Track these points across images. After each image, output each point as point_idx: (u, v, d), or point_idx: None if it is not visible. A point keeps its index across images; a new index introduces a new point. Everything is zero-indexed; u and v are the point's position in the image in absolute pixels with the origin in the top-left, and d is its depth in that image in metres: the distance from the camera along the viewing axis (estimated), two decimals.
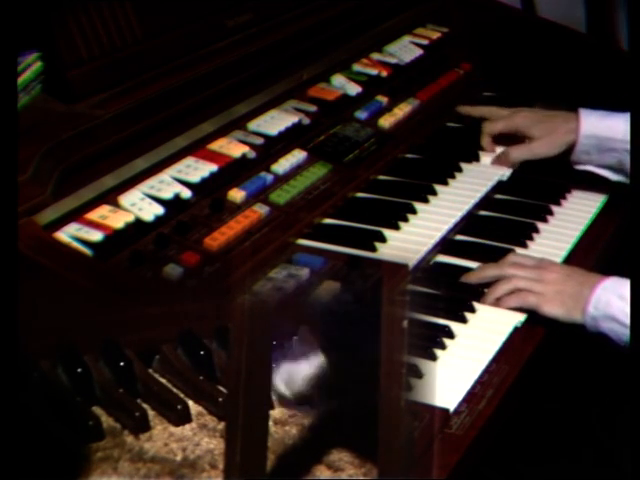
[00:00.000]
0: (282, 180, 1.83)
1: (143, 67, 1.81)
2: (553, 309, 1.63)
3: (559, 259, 1.81)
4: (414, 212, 1.84)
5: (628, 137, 1.86)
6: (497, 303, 1.65)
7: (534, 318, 1.63)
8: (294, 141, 1.94)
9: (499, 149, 2.08)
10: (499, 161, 2.05)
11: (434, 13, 2.56)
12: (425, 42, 2.46)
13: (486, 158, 2.08)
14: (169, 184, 1.70)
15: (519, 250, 1.82)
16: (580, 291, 1.62)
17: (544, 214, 1.95)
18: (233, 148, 1.84)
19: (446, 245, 1.81)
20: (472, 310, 1.63)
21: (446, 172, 1.99)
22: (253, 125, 1.94)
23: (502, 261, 1.72)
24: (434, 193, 1.92)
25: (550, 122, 2.01)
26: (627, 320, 1.55)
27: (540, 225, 1.91)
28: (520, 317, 1.62)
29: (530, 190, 2.03)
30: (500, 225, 1.92)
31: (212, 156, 1.80)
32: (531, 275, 1.67)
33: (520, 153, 2.03)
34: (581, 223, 1.94)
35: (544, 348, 1.61)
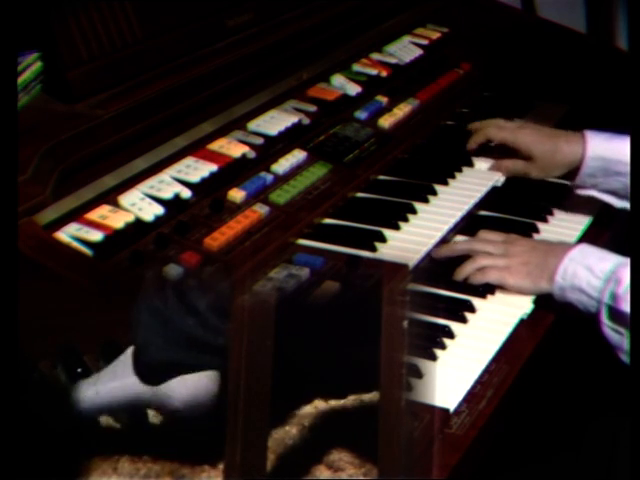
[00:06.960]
0: (282, 180, 1.83)
1: (143, 67, 1.81)
2: (518, 281, 1.66)
3: None
4: (414, 212, 1.84)
5: None
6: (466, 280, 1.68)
7: (535, 316, 1.63)
8: (294, 141, 1.94)
9: (488, 160, 2.04)
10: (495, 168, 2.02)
11: (434, 13, 2.56)
12: (425, 42, 2.46)
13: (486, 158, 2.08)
14: (169, 184, 1.70)
15: None
16: (545, 261, 1.65)
17: (544, 214, 1.95)
18: (233, 148, 1.84)
19: None
20: (472, 310, 1.62)
21: (446, 172, 1.99)
22: (253, 125, 1.94)
23: (473, 237, 1.78)
24: (434, 193, 1.92)
25: (552, 143, 1.93)
26: (594, 292, 1.57)
27: (540, 225, 1.91)
28: (519, 315, 1.62)
29: (531, 190, 2.02)
30: (500, 225, 1.92)
31: (212, 156, 1.80)
32: (497, 250, 1.71)
33: (515, 168, 1.98)
34: (582, 223, 1.94)
35: (544, 348, 1.61)
